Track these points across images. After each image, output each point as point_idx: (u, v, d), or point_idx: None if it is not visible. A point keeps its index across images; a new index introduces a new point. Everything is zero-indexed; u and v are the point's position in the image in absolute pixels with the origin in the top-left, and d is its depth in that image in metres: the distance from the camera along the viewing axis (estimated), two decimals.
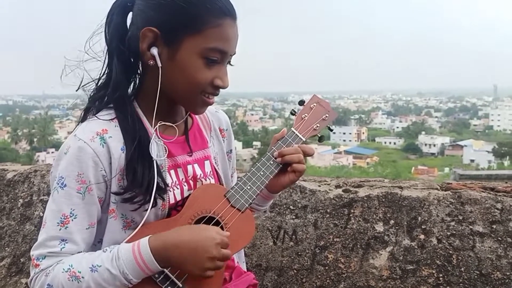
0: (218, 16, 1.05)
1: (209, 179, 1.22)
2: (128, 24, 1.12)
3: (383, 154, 64.40)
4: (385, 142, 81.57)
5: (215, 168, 1.26)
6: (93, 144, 1.05)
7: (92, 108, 1.13)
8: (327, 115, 1.33)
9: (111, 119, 1.10)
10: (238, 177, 1.33)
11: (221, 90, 1.12)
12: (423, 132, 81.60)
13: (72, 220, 1.04)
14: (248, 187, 1.19)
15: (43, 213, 1.21)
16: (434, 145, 72.68)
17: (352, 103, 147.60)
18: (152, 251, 1.01)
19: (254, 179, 1.21)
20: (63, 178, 1.04)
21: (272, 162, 1.24)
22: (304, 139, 1.29)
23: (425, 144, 73.62)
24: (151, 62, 1.07)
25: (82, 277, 1.00)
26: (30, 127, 69.15)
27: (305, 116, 1.30)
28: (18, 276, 2.33)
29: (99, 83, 1.14)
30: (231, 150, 1.39)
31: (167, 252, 1.02)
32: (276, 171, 1.24)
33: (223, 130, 1.36)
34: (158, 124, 1.13)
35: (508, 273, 1.77)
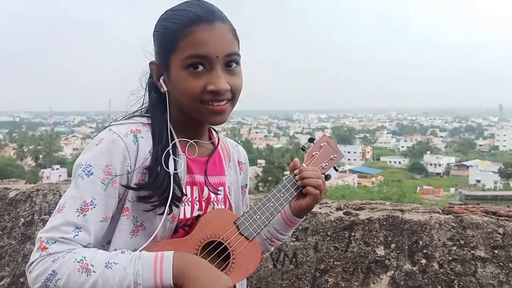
0: (186, 26, 1.10)
1: (220, 205, 1.24)
2: None
3: (388, 173, 64.08)
4: (390, 162, 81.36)
5: (227, 196, 1.28)
6: (126, 139, 1.10)
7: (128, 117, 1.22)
8: (335, 155, 1.39)
9: (145, 124, 1.17)
10: (249, 205, 1.35)
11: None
12: (428, 152, 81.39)
13: (91, 209, 1.05)
14: (258, 217, 1.21)
15: None
16: (440, 165, 72.38)
17: (357, 122, 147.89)
18: (173, 264, 1.01)
19: (264, 209, 1.22)
20: (90, 166, 1.07)
21: (284, 193, 1.26)
22: None
23: (431, 164, 73.35)
24: (162, 90, 1.17)
25: (94, 271, 0.98)
26: (36, 143, 69.50)
27: (316, 153, 1.36)
28: None
29: (142, 111, 1.24)
30: (246, 185, 1.41)
31: (186, 268, 1.02)
32: (285, 204, 1.26)
33: (241, 163, 1.40)
34: (178, 140, 1.19)
35: None
